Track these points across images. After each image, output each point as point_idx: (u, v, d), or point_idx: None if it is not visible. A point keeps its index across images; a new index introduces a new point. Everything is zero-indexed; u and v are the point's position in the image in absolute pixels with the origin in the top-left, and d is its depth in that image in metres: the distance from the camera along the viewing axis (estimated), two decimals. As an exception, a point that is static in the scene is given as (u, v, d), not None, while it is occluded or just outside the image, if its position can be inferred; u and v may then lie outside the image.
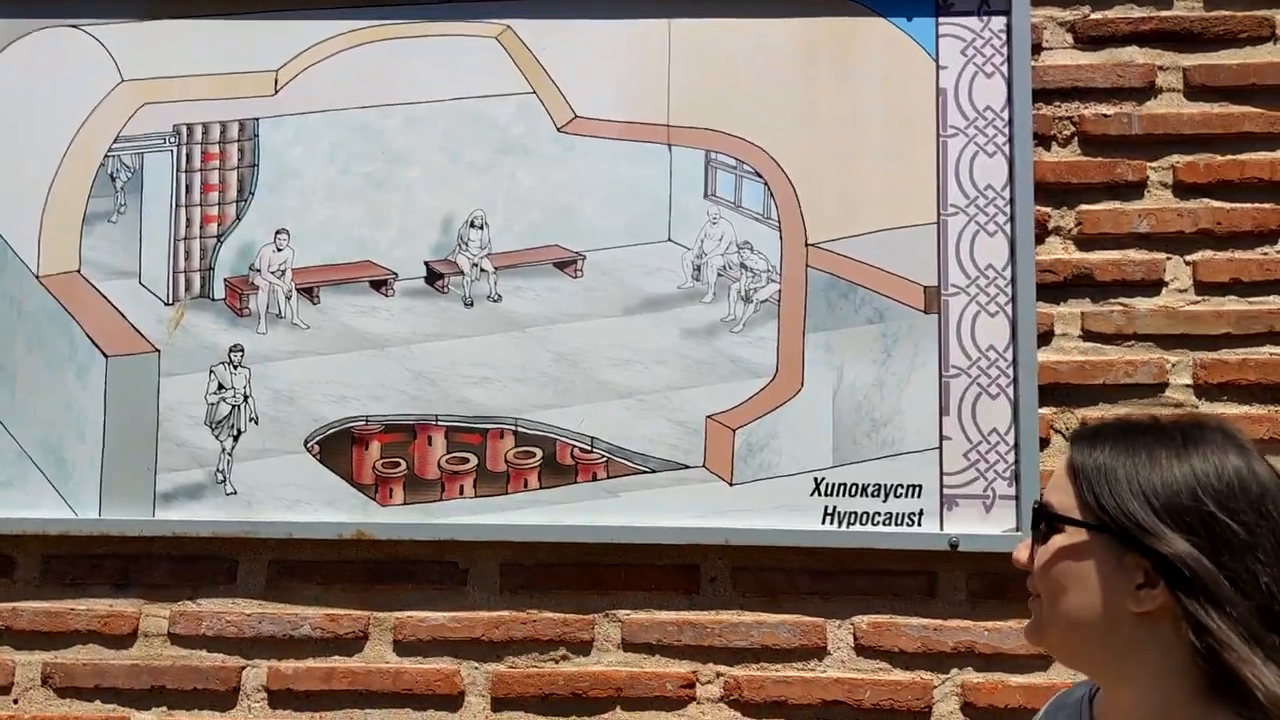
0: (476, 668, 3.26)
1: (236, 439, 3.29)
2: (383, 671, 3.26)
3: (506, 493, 3.27)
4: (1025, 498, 3.18)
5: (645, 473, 3.24)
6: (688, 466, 3.24)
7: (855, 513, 3.22)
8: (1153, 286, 3.26)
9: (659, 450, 3.25)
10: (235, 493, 3.28)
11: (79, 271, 3.37)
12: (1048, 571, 1.60)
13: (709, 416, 3.26)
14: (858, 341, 3.26)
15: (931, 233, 3.27)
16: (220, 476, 3.28)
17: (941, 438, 3.22)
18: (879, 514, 3.22)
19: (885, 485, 3.22)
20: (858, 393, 3.24)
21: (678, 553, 3.27)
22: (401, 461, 3.29)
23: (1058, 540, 1.60)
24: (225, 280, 3.35)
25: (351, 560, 3.30)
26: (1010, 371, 3.22)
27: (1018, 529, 3.19)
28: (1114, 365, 3.23)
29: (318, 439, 3.29)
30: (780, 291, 3.27)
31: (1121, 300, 3.25)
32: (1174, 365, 3.23)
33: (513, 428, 3.28)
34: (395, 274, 3.33)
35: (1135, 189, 3.29)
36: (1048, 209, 3.29)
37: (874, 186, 3.29)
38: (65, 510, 3.31)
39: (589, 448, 3.26)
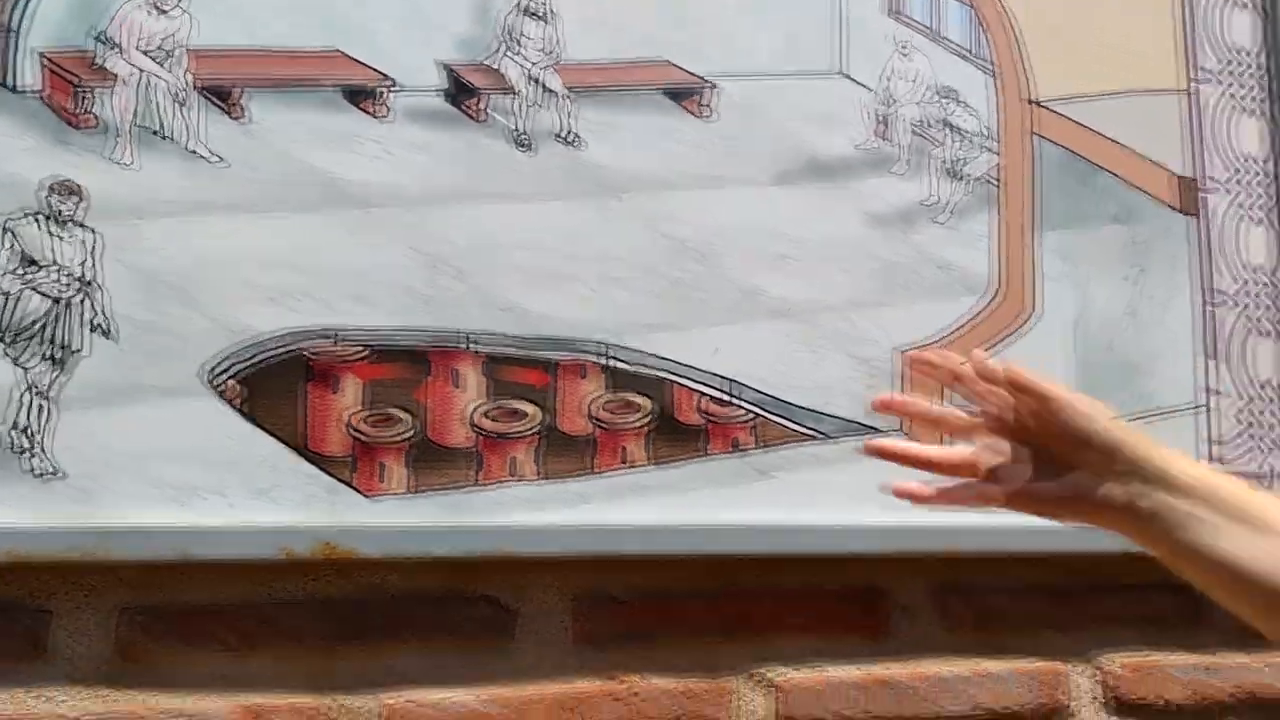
0: (533, 784, 0.89)
1: (60, 366, 0.77)
2: (357, 807, 0.83)
3: (591, 471, 0.92)
4: (1315, 478, 1.11)
5: (816, 439, 0.96)
6: (878, 430, 0.98)
7: (1110, 501, 1.04)
8: None
9: (834, 403, 0.98)
10: (56, 474, 0.76)
11: None
12: None
13: (905, 352, 1.00)
14: (1104, 249, 1.11)
15: (1178, 105, 1.14)
16: (22, 441, 0.75)
17: (1208, 392, 1.10)
18: (1138, 503, 1.05)
19: (1144, 460, 1.06)
20: (1108, 324, 1.09)
21: (858, 570, 0.99)
22: (404, 415, 0.86)
23: None
24: (42, 57, 0.82)
25: (301, 601, 0.85)
26: (1282, 302, 1.15)
27: (1306, 522, 1.09)
28: (1384, 300, 1.22)
29: (237, 370, 0.82)
30: (1000, 167, 1.06)
31: (1381, 217, 1.24)
32: None
33: (601, 360, 0.92)
34: (392, 81, 0.90)
35: (1384, 76, 1.28)
36: (1295, 90, 1.24)
37: (1111, 31, 1.14)
38: None
39: (727, 396, 0.95)
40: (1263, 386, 1.18)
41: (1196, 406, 1.16)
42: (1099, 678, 1.12)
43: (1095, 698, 1.12)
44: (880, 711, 1.04)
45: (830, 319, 1.04)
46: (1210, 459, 1.16)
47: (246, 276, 0.89)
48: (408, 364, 0.93)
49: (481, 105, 0.97)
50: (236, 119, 0.91)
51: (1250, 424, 1.17)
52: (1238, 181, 1.20)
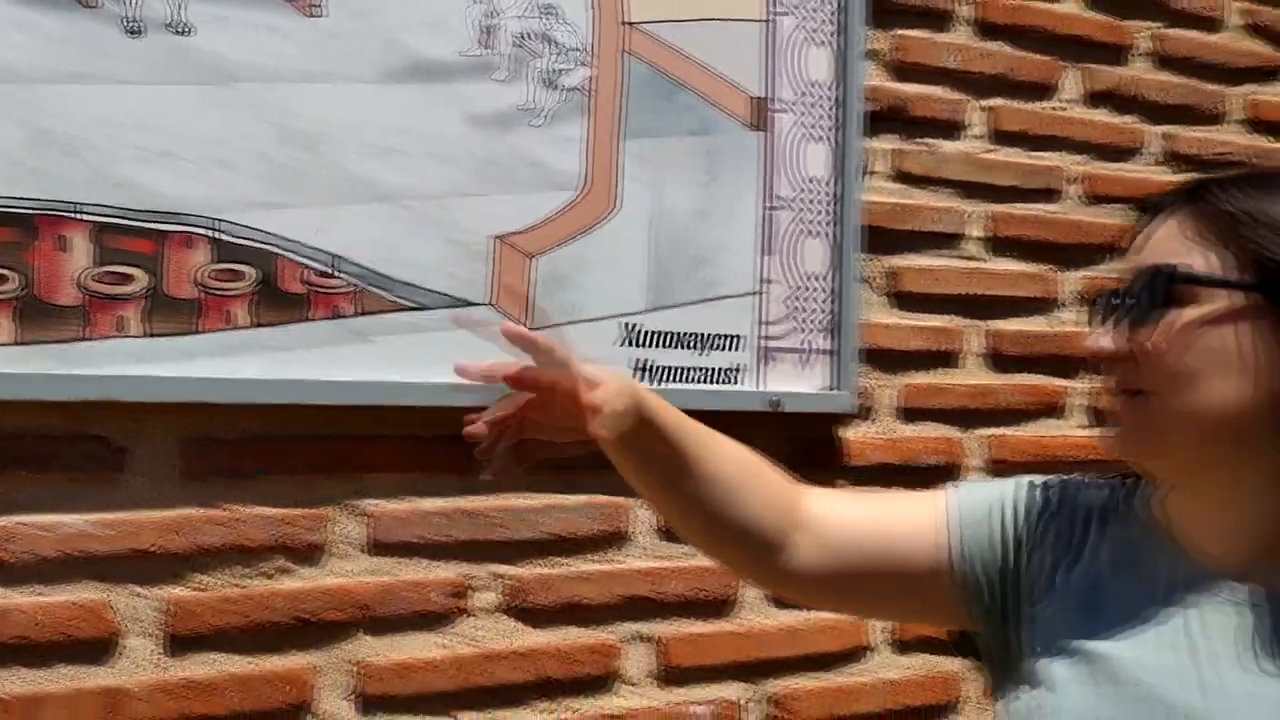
0: (140, 594, 1.09)
1: None
2: (-27, 614, 1.01)
3: (196, 331, 1.09)
4: (843, 353, 1.43)
5: (411, 309, 1.18)
6: (470, 303, 1.21)
7: (671, 368, 1.34)
8: (955, 129, 1.58)
9: (431, 279, 1.20)
10: None
11: None
12: (1181, 353, 0.62)
13: (499, 237, 1.23)
14: (680, 156, 1.35)
15: (758, 33, 1.39)
16: None
17: (762, 281, 1.39)
18: (695, 369, 1.36)
19: (703, 335, 1.37)
20: (677, 221, 1.35)
21: (449, 420, 1.22)
22: (11, 275, 1.00)
23: (1189, 314, 0.62)
24: None
25: (-90, 438, 1.00)
26: (832, 209, 1.44)
27: (833, 387, 1.44)
28: (922, 210, 1.54)
29: None
30: (593, 80, 1.27)
31: (928, 140, 1.55)
32: (970, 215, 1.59)
33: (209, 233, 1.09)
34: (-5, -40, 1.00)
35: (944, 19, 1.58)
36: (863, 27, 1.51)
37: (703, -38, 1.36)
38: None
39: (330, 270, 1.15)
40: (808, 278, 1.46)
41: (753, 293, 1.42)
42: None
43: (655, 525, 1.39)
44: (462, 536, 1.28)
45: (431, 207, 1.22)
46: (761, 338, 1.44)
47: None
48: (15, 229, 1.05)
49: (90, -9, 1.07)
50: None
51: (796, 309, 1.46)
52: (803, 104, 1.45)
